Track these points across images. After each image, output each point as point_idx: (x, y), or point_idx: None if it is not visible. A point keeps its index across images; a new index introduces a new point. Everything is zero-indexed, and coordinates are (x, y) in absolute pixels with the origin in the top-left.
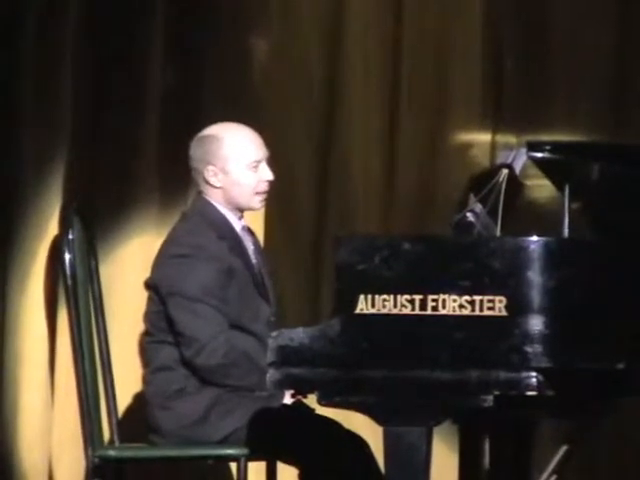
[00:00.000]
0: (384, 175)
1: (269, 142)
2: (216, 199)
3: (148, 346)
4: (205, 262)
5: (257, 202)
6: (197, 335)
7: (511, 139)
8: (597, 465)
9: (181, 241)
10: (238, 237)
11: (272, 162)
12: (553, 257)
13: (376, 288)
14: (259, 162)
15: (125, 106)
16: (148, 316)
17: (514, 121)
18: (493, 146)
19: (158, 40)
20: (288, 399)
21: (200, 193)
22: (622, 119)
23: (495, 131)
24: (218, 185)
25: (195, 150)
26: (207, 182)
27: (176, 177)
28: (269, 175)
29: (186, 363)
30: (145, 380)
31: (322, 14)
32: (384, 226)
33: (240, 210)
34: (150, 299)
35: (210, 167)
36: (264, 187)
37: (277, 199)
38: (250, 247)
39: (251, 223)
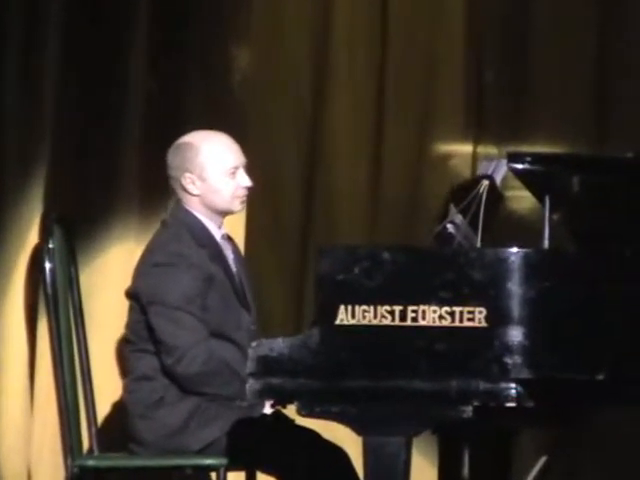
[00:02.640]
0: (369, 185)
1: (254, 150)
2: (194, 207)
3: (129, 355)
4: (186, 270)
5: (236, 205)
6: (177, 343)
7: (492, 150)
8: (578, 474)
9: (161, 250)
10: (218, 245)
11: (257, 170)
12: (533, 268)
13: (356, 299)
14: (237, 169)
15: (106, 115)
16: (130, 325)
17: (496, 132)
18: (474, 157)
19: (141, 48)
20: (268, 409)
21: (179, 201)
22: (603, 131)
23: (477, 142)
24: (196, 192)
25: (172, 158)
26: (185, 189)
27: (156, 186)
28: (247, 182)
29: (166, 372)
30: (126, 389)
31: (307, 22)
32: (369, 235)
33: (220, 214)
34: (131, 308)
35: (187, 174)
36: (242, 193)
37: (262, 207)
38: (230, 255)
39: (233, 230)
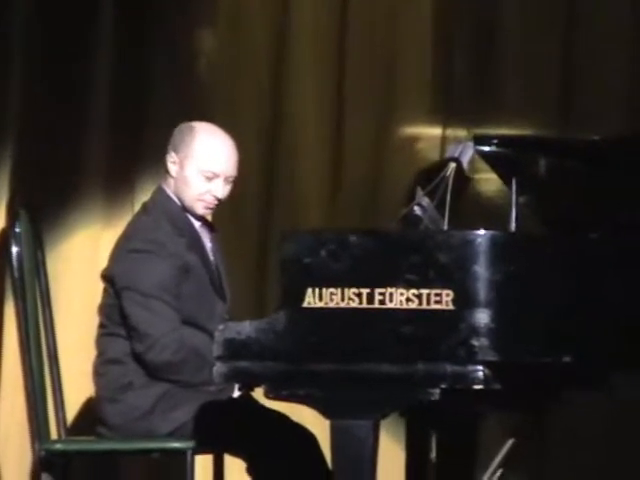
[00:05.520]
0: (332, 170)
1: None
2: (171, 189)
3: (101, 338)
4: (162, 259)
5: (199, 207)
6: (149, 331)
7: (461, 133)
8: (545, 458)
9: (140, 236)
10: (196, 234)
11: None
12: (500, 251)
13: (324, 282)
14: (216, 176)
15: (70, 100)
16: (103, 308)
17: (464, 115)
18: (443, 140)
19: (107, 34)
20: (236, 393)
21: (161, 184)
22: (568, 114)
23: (445, 125)
24: (172, 174)
25: (174, 134)
26: (166, 167)
27: (121, 170)
28: (218, 192)
29: (137, 357)
30: (95, 371)
31: (269, 13)
32: (332, 220)
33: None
34: (105, 291)
35: (173, 154)
36: (210, 200)
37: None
38: (208, 244)
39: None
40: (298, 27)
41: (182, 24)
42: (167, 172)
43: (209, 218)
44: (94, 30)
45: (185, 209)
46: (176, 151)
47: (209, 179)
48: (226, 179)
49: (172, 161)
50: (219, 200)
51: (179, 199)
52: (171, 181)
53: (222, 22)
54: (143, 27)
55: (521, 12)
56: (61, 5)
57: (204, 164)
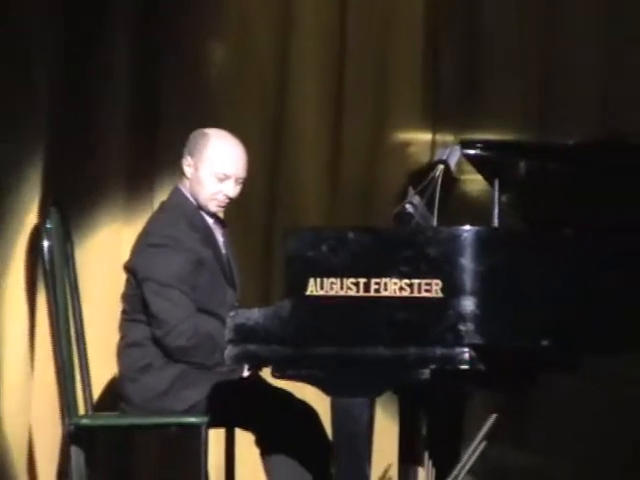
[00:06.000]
0: (330, 171)
1: None
2: (187, 190)
3: (124, 323)
4: (178, 252)
5: (213, 206)
6: (167, 318)
7: (450, 138)
8: (525, 432)
9: (157, 232)
10: (210, 229)
11: None
12: (484, 245)
13: (324, 272)
14: (227, 177)
15: (94, 107)
16: (125, 297)
17: (452, 121)
18: (433, 144)
19: (123, 44)
20: (246, 372)
21: (178, 184)
22: (547, 120)
23: (435, 131)
24: (188, 176)
25: (190, 140)
26: (182, 169)
27: (140, 174)
28: (230, 192)
29: (156, 341)
30: (118, 353)
31: (273, 23)
32: (330, 218)
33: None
34: (128, 282)
35: (189, 157)
36: (222, 199)
37: None
38: (220, 239)
39: None
40: (300, 40)
41: (194, 36)
42: (183, 174)
43: (221, 215)
44: (112, 40)
45: (200, 207)
46: (191, 155)
47: (221, 180)
48: (236, 180)
49: (187, 164)
50: (230, 199)
51: (194, 198)
52: (187, 182)
53: (231, 32)
54: (159, 47)
55: (502, 25)
56: (83, 10)
57: (217, 166)
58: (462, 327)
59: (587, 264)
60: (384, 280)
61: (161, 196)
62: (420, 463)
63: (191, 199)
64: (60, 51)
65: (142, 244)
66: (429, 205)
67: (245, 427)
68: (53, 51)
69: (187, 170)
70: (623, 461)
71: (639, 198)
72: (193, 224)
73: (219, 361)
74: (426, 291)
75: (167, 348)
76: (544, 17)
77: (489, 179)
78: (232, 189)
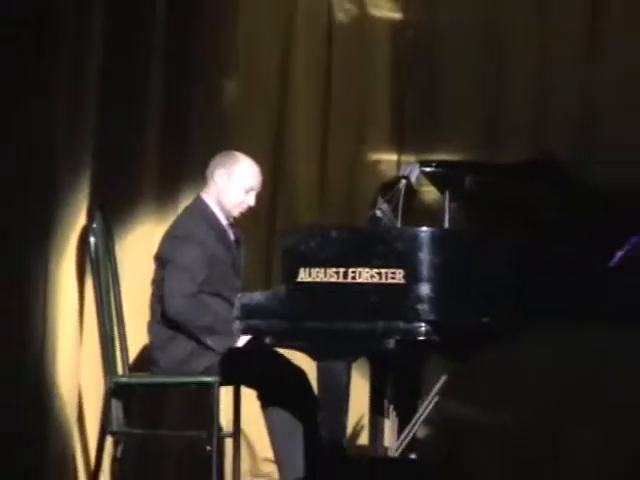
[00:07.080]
0: (319, 181)
1: (232, 148)
2: (211, 197)
3: (154, 303)
4: (195, 245)
5: (235, 212)
6: (169, 293)
7: (411, 158)
8: (470, 390)
9: (180, 227)
10: (223, 229)
11: None
12: (437, 242)
13: (312, 263)
14: (252, 190)
15: (132, 130)
16: (155, 282)
17: (414, 145)
18: (398, 163)
19: (159, 55)
20: (242, 341)
21: (200, 193)
22: (493, 144)
23: (400, 152)
24: (219, 184)
25: (219, 159)
26: (213, 178)
27: (169, 184)
28: (251, 202)
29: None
30: (149, 327)
31: (275, 66)
32: (319, 219)
33: (224, 211)
34: (156, 269)
35: (222, 169)
36: (244, 207)
37: None
38: (231, 237)
39: None
40: (297, 76)
41: (210, 75)
42: (214, 184)
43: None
44: (148, 52)
45: (221, 211)
46: (225, 167)
47: (247, 192)
48: (257, 192)
49: (219, 175)
50: (250, 207)
51: (220, 204)
52: (213, 190)
53: (241, 69)
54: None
55: (459, 63)
56: (118, 21)
57: (246, 180)
58: (420, 307)
59: (518, 257)
60: (359, 269)
61: (185, 202)
62: (386, 415)
63: (210, 205)
64: (109, 69)
65: (169, 236)
66: (394, 210)
67: (249, 385)
68: (105, 66)
69: (218, 179)
70: (560, 403)
71: (558, 205)
72: (210, 224)
73: (209, 326)
74: (392, 278)
75: (167, 316)
76: (496, 66)
77: (441, 190)
78: (253, 200)
